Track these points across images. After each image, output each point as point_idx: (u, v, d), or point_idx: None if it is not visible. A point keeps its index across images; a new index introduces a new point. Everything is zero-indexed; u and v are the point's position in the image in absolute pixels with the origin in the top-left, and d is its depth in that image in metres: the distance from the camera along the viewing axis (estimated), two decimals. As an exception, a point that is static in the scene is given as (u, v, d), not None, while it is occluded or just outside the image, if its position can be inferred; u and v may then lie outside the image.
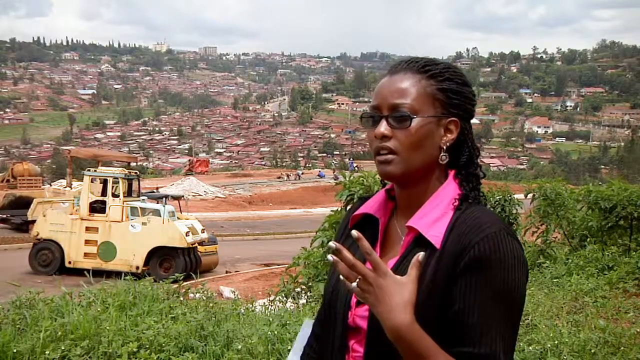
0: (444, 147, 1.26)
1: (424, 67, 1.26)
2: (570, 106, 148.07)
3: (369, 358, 1.23)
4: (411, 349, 1.11)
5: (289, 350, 3.87)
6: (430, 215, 1.23)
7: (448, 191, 1.26)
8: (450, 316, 1.16)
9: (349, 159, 65.56)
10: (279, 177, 48.28)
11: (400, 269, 1.22)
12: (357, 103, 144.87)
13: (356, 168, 37.96)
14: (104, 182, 15.69)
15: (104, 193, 15.57)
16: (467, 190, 1.26)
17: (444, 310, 1.16)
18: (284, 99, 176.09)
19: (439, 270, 1.18)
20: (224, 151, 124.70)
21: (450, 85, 1.26)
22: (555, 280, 7.25)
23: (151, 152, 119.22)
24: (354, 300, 1.26)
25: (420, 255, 1.13)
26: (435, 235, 1.20)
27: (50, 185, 26.90)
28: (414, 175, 1.25)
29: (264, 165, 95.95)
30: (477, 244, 1.15)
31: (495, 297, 1.13)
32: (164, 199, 16.63)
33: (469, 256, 1.15)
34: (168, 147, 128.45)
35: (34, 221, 16.62)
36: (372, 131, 1.26)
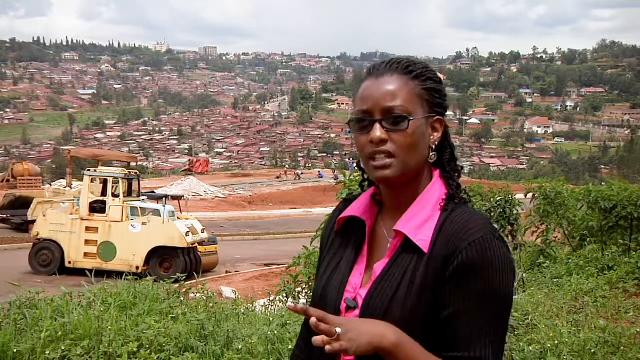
0: (432, 146, 1.27)
1: (407, 68, 1.26)
2: (570, 106, 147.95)
3: None
4: None
5: (289, 349, 3.87)
6: (417, 218, 1.23)
7: (434, 191, 1.26)
8: (441, 321, 1.16)
9: (349, 159, 65.55)
10: (278, 177, 48.30)
11: (389, 273, 1.22)
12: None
13: (356, 168, 37.90)
14: (104, 182, 15.67)
15: (104, 193, 15.56)
16: (453, 189, 1.27)
17: (434, 314, 1.17)
18: (284, 99, 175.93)
19: (428, 274, 1.18)
20: (224, 151, 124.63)
21: (433, 85, 1.28)
22: (555, 280, 7.25)
23: (151, 152, 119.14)
24: (343, 305, 1.26)
25: None
26: (423, 239, 1.21)
27: (50, 185, 26.87)
28: (409, 177, 1.25)
29: (264, 165, 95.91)
30: (465, 249, 1.16)
31: (485, 302, 1.14)
32: (164, 199, 16.62)
33: (457, 261, 1.16)
34: (168, 147, 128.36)
35: (34, 221, 16.60)
36: (363, 136, 1.24)
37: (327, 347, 1.10)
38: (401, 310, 1.17)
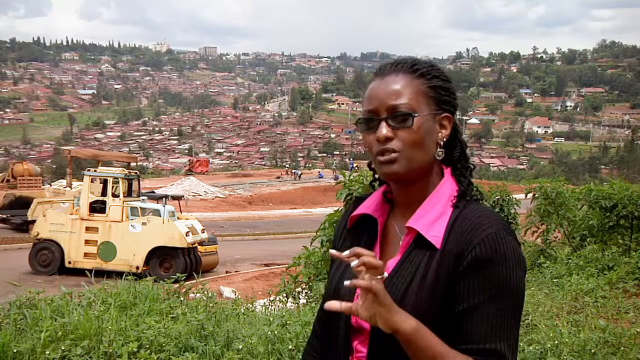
0: (441, 143, 1.28)
1: (412, 67, 1.28)
2: (570, 106, 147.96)
3: (373, 358, 1.23)
4: (422, 350, 1.12)
5: (289, 349, 3.87)
6: (429, 215, 1.25)
7: (446, 188, 1.28)
8: (455, 316, 1.17)
9: (349, 159, 65.54)
10: (278, 177, 48.32)
11: (401, 269, 1.23)
12: (357, 103, 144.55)
13: (356, 168, 37.93)
14: (104, 182, 15.67)
15: (104, 193, 15.56)
16: (464, 186, 1.28)
17: (448, 309, 1.18)
18: (284, 99, 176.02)
19: (441, 270, 1.20)
20: (224, 151, 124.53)
21: (439, 83, 1.29)
22: (555, 280, 7.25)
23: (151, 152, 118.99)
24: (356, 301, 1.26)
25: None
26: (435, 235, 1.22)
27: (50, 185, 26.86)
28: (416, 173, 1.26)
29: (264, 165, 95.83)
30: (478, 244, 1.17)
31: (498, 295, 1.16)
32: (164, 199, 16.62)
33: (470, 256, 1.17)
34: (168, 147, 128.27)
35: (34, 221, 16.59)
36: (370, 135, 1.26)
37: (337, 305, 1.11)
38: (413, 305, 1.18)
